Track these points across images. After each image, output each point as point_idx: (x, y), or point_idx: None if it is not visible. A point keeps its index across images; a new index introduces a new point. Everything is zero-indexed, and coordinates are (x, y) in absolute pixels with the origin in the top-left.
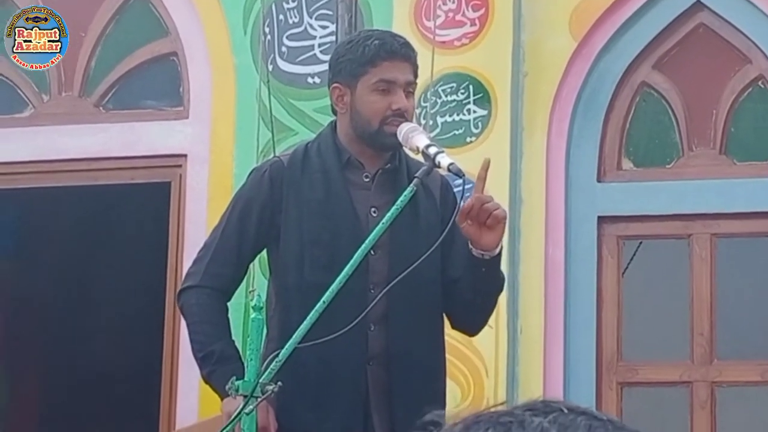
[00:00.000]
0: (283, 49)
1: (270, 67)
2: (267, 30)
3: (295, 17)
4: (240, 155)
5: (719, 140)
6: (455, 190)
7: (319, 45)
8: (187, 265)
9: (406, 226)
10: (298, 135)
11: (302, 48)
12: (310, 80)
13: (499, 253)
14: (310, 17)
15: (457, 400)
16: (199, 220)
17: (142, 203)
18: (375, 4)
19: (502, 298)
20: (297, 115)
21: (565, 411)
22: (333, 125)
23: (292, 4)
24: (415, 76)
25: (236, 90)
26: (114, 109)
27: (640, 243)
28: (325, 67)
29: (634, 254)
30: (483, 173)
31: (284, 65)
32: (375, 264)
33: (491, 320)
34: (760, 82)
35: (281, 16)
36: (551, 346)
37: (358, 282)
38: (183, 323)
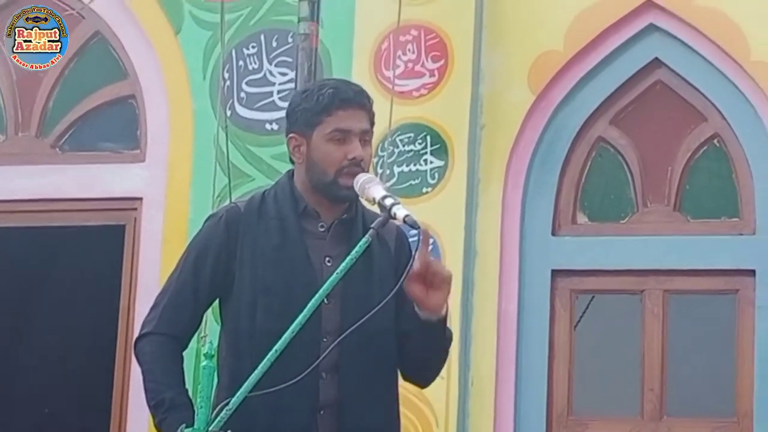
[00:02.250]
0: (242, 94)
1: (228, 113)
2: (226, 75)
3: (255, 63)
4: (196, 200)
5: (674, 197)
6: (411, 240)
7: (278, 92)
8: (139, 308)
9: (359, 276)
10: (254, 181)
11: (261, 94)
12: (268, 126)
13: (445, 315)
14: (270, 64)
15: None
16: (152, 263)
17: (96, 245)
18: (335, 53)
19: (454, 350)
20: (254, 161)
21: None
22: (291, 174)
23: (252, 50)
24: (371, 124)
25: (194, 134)
26: (71, 150)
27: (593, 297)
28: (283, 113)
29: (587, 308)
30: (425, 247)
31: (242, 111)
32: (328, 313)
33: (443, 371)
34: (715, 141)
35: (241, 62)
36: (502, 398)
37: (311, 331)
38: (134, 367)
